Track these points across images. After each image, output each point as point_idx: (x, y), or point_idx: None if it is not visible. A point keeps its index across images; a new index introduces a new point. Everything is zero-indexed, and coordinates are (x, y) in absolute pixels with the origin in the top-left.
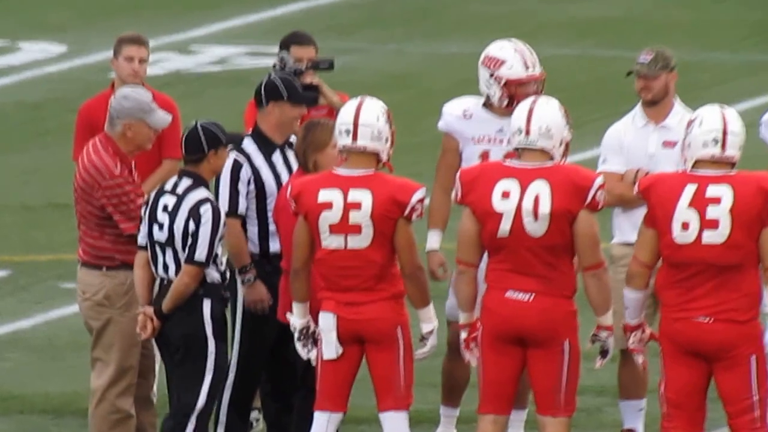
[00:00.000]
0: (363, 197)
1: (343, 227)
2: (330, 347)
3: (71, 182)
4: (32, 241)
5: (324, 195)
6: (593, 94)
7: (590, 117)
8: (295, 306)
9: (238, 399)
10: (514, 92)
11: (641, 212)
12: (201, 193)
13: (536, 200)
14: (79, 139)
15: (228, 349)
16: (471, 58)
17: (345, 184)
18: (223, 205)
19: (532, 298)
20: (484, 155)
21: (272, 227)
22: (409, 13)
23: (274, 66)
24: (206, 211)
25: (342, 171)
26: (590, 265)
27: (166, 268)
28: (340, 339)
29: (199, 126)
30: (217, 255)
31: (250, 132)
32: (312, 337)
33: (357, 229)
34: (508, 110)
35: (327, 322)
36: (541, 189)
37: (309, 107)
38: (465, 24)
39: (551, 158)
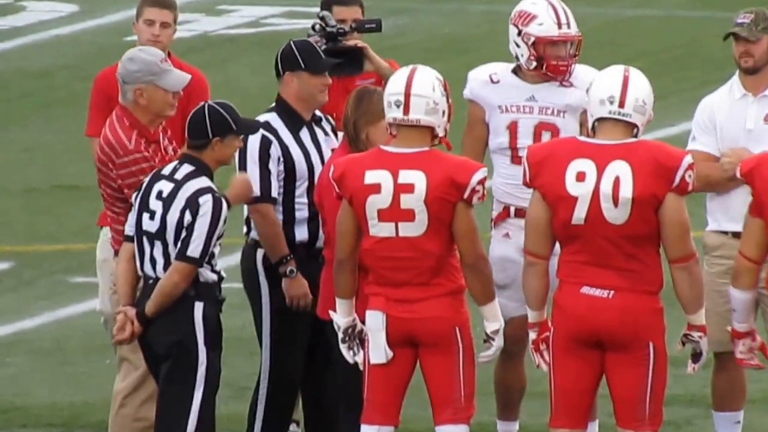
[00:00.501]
0: (416, 178)
1: (394, 213)
2: (379, 350)
3: (80, 161)
4: (37, 229)
5: (371, 176)
6: (681, 61)
7: (676, 87)
8: (339, 303)
9: (274, 411)
10: (543, 53)
11: (738, 196)
12: (202, 181)
13: (616, 183)
14: (95, 113)
15: (219, 361)
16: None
17: (395, 164)
18: (254, 189)
19: (611, 294)
20: (512, 126)
21: (299, 213)
22: None
23: (313, 27)
24: (206, 201)
25: (391, 149)
26: (679, 256)
27: (153, 263)
28: (390, 341)
29: (206, 108)
30: (213, 254)
31: (273, 105)
32: (358, 339)
33: (409, 215)
34: (539, 75)
35: (375, 322)
36: (621, 170)
37: (352, 75)
38: None
39: (634, 135)
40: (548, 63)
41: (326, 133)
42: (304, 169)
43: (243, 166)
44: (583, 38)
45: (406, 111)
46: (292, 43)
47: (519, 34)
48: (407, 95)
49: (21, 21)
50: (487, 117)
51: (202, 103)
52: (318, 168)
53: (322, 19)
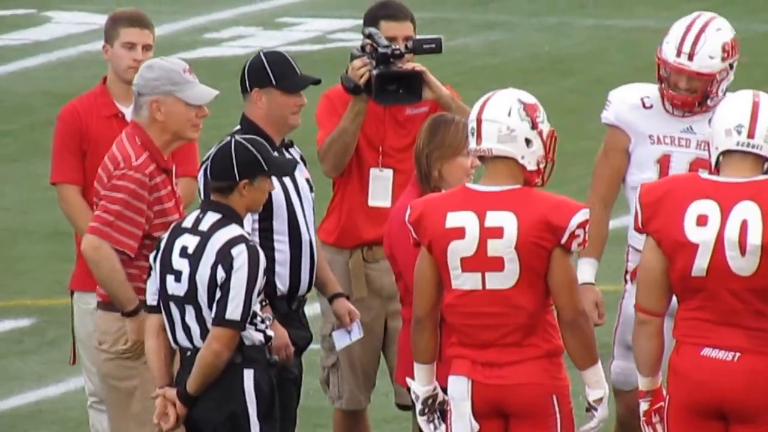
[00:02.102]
0: (505, 221)
1: (480, 261)
2: (463, 422)
3: None
4: (63, 280)
5: (454, 219)
6: None
7: None
8: (418, 368)
9: None
10: (663, 75)
11: None
12: (232, 230)
13: (743, 227)
14: (60, 155)
15: None
16: (658, 37)
17: (481, 205)
18: None
19: (737, 357)
20: (663, 160)
21: (279, 255)
22: None
23: (362, 48)
24: (240, 253)
25: (477, 187)
26: None
27: (188, 332)
28: (477, 411)
29: (233, 145)
30: (255, 312)
31: (237, 128)
32: (440, 410)
33: (498, 264)
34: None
35: (459, 389)
36: (749, 212)
37: (410, 103)
38: None
39: (764, 171)
40: (666, 89)
41: (297, 161)
42: (282, 199)
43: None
44: (719, 80)
45: (479, 140)
46: (262, 54)
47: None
48: (479, 121)
49: (46, 35)
50: (631, 147)
51: (227, 138)
52: (294, 200)
53: (369, 37)
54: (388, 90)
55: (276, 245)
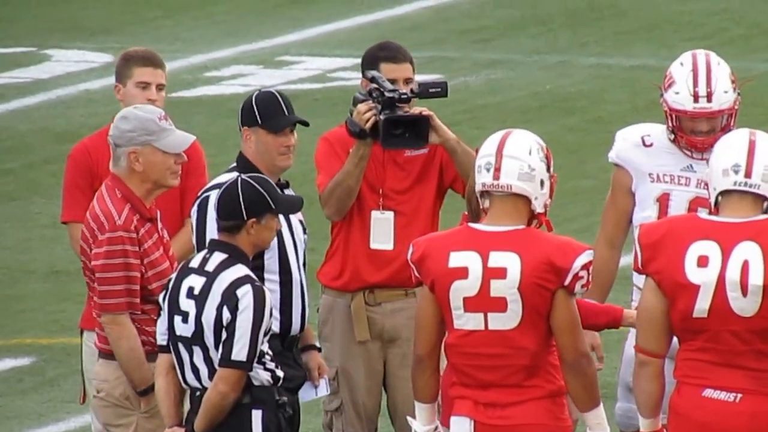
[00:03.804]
0: (509, 262)
1: (483, 302)
2: None
3: None
4: (63, 318)
5: (457, 258)
6: None
7: None
8: (419, 408)
9: None
10: (677, 125)
11: None
12: (238, 270)
13: (744, 268)
14: (72, 194)
15: None
16: (659, 75)
17: (485, 244)
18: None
19: (738, 398)
20: (662, 199)
21: (271, 294)
22: (577, 12)
23: (369, 93)
24: (246, 294)
25: (481, 227)
26: None
27: (196, 372)
28: None
29: (240, 184)
30: (263, 352)
31: (234, 165)
32: None
33: (501, 305)
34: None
35: (461, 430)
36: (750, 253)
37: (417, 148)
38: (652, 28)
39: (764, 211)
40: (683, 136)
41: (302, 199)
42: (274, 240)
43: (201, 232)
44: (736, 108)
45: (497, 175)
46: (255, 94)
47: (661, 96)
48: (499, 156)
49: (46, 73)
50: (634, 185)
51: (228, 176)
52: (287, 240)
53: (373, 80)
54: (394, 134)
55: (266, 284)
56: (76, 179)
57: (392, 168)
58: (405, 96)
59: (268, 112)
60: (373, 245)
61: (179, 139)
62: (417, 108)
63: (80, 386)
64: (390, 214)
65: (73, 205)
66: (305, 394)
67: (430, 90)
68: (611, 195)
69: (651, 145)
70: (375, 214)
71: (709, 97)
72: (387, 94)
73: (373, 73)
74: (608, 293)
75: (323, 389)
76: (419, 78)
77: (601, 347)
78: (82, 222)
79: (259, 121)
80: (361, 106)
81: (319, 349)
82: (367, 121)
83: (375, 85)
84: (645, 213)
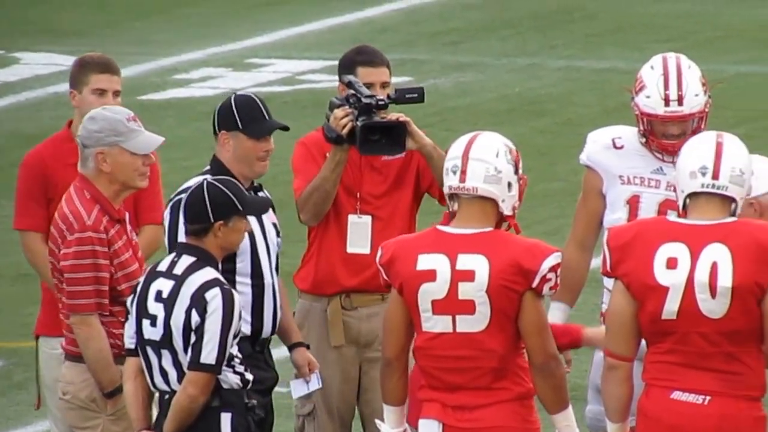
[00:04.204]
0: (477, 264)
1: (451, 304)
2: None
3: None
4: (32, 323)
5: (425, 261)
6: None
7: None
8: (387, 410)
9: None
10: (648, 128)
11: None
12: (207, 273)
13: (713, 270)
14: (23, 202)
15: None
16: (628, 78)
17: (453, 247)
18: None
19: (707, 401)
20: (632, 201)
21: (243, 297)
22: (546, 15)
23: (347, 99)
24: (214, 297)
25: (449, 229)
26: None
27: (165, 376)
28: None
29: (206, 187)
30: (232, 355)
31: (208, 168)
32: None
33: (469, 307)
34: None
35: None
36: (719, 255)
37: (393, 155)
38: (621, 31)
39: (732, 213)
40: (654, 140)
41: (270, 200)
42: (246, 242)
43: (173, 234)
44: (707, 111)
45: (463, 178)
46: (233, 97)
47: (632, 100)
48: (465, 159)
49: (14, 76)
50: (604, 188)
51: (201, 179)
52: (260, 243)
53: (350, 85)
54: (371, 140)
55: (239, 287)
56: (30, 187)
57: (369, 172)
58: (382, 102)
59: (249, 117)
60: (350, 249)
61: (148, 140)
62: (394, 114)
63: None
64: (367, 219)
65: (26, 213)
66: (297, 391)
67: (407, 96)
68: (582, 197)
69: (622, 147)
70: (352, 218)
71: (680, 101)
72: (364, 100)
73: (350, 78)
74: (578, 295)
75: (315, 383)
76: (394, 82)
77: (569, 350)
78: (34, 230)
79: (240, 126)
80: (338, 112)
81: (307, 346)
82: (344, 126)
83: (352, 91)
84: (615, 215)
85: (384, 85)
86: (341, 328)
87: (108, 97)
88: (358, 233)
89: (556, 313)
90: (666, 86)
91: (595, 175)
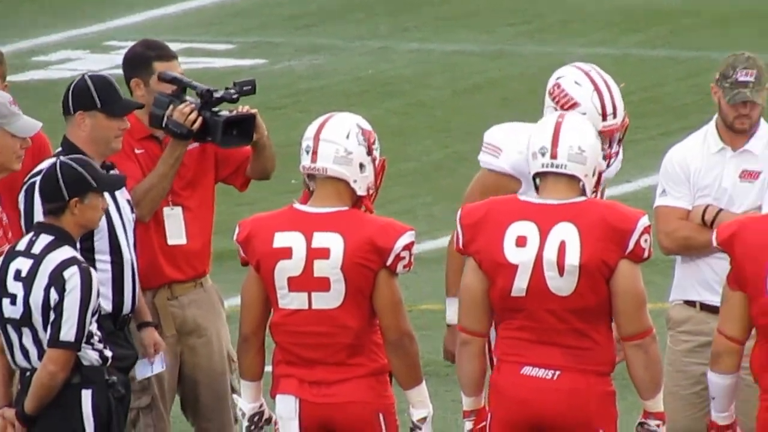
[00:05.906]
0: (332, 242)
1: (307, 282)
2: None
3: None
4: None
5: (281, 239)
6: (637, 108)
7: (631, 138)
8: (244, 386)
9: None
10: None
11: (708, 263)
12: (65, 252)
13: (561, 249)
14: None
15: None
16: (479, 60)
17: (309, 225)
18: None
19: (556, 375)
20: None
21: (102, 275)
22: None
23: (201, 95)
24: (72, 275)
25: (306, 208)
26: (634, 332)
27: (26, 353)
28: (304, 429)
29: (59, 166)
30: (91, 332)
31: (60, 150)
32: (267, 427)
33: (324, 285)
34: None
35: (286, 408)
36: (567, 234)
37: (244, 146)
38: (472, 14)
39: (581, 192)
40: None
41: (125, 177)
42: (103, 220)
43: (29, 216)
44: (628, 121)
45: (314, 158)
46: (87, 77)
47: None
48: (316, 140)
49: None
50: (520, 192)
51: (53, 159)
52: (116, 220)
53: (174, 81)
54: (230, 134)
55: (98, 265)
56: None
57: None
58: (236, 96)
59: (107, 97)
60: (170, 241)
61: (28, 124)
62: (243, 106)
63: None
64: (178, 210)
65: None
66: (141, 372)
67: (245, 88)
68: (480, 196)
69: None
70: (166, 211)
71: (614, 114)
72: (216, 95)
73: (172, 74)
74: None
75: (158, 366)
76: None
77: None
78: None
79: (99, 106)
80: (184, 108)
81: (156, 325)
82: (194, 122)
83: (204, 90)
84: None
85: (234, 83)
86: (171, 319)
87: None
88: (173, 224)
89: (454, 306)
90: (602, 102)
91: (514, 182)
